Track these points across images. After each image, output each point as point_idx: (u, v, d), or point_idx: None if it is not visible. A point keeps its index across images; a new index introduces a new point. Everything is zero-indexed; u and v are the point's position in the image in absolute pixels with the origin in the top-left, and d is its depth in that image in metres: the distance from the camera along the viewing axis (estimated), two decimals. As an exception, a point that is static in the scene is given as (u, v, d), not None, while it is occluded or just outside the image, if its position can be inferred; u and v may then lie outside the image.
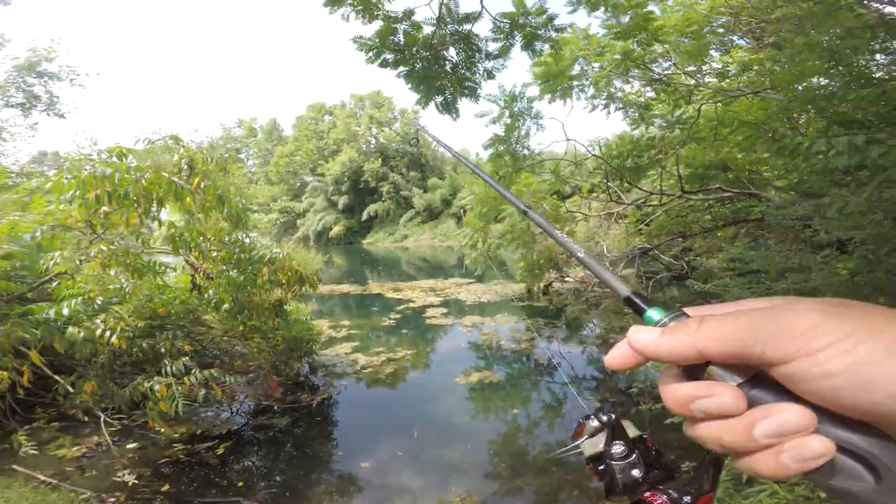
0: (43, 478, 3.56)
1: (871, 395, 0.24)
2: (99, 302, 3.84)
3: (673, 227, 9.12)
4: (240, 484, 3.71)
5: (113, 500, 3.37)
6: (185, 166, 4.15)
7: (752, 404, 0.28)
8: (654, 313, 0.33)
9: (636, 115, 6.40)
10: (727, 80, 5.81)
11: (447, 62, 4.39)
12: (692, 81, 5.51)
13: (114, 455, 3.93)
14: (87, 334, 3.54)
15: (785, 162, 4.32)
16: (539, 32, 3.99)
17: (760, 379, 0.29)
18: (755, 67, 5.09)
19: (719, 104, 5.36)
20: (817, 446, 0.26)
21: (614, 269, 10.95)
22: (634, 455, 0.42)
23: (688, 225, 8.98)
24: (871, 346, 0.24)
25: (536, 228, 9.09)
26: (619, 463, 0.42)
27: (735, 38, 6.78)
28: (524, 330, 8.38)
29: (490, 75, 4.53)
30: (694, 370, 0.31)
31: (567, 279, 11.51)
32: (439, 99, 4.79)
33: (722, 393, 0.29)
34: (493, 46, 4.29)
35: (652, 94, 6.44)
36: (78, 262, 3.87)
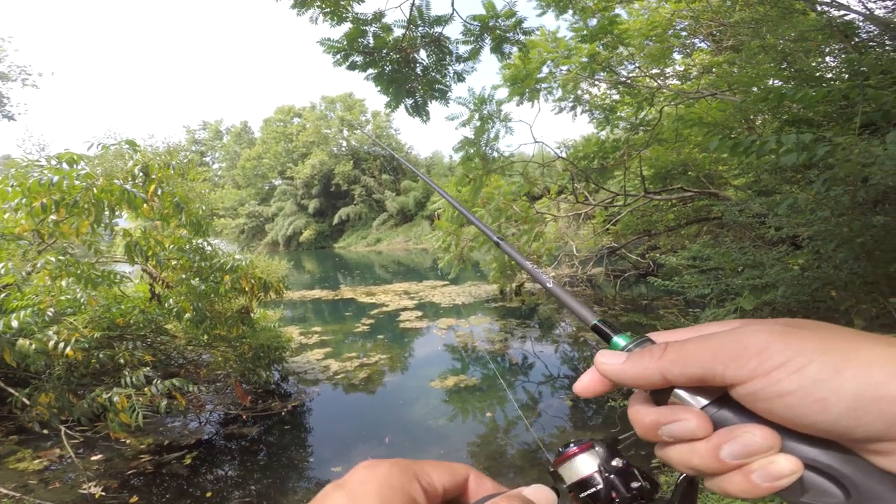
0: (5, 491, 3.41)
1: (827, 413, 0.25)
2: (50, 313, 3.64)
3: (638, 226, 9.40)
4: (208, 494, 3.60)
5: (80, 511, 3.24)
6: (140, 173, 3.99)
7: (717, 426, 0.29)
8: (620, 340, 0.34)
9: (602, 117, 6.57)
10: (688, 83, 6.04)
11: (417, 65, 4.39)
12: (655, 84, 5.71)
13: (78, 467, 3.78)
14: (38, 346, 3.35)
15: (741, 161, 4.52)
16: (508, 35, 4.05)
17: (725, 401, 0.29)
18: (714, 70, 5.32)
19: (680, 106, 5.56)
20: (785, 465, 0.26)
21: (584, 267, 11.20)
22: (634, 469, 0.41)
23: (653, 224, 9.26)
24: (820, 365, 0.25)
25: (508, 229, 9.16)
26: (618, 476, 0.41)
27: (696, 41, 7.08)
28: (498, 331, 8.44)
29: (460, 78, 4.56)
30: (660, 394, 0.32)
31: (539, 280, 11.66)
32: (409, 101, 4.78)
33: (687, 417, 0.29)
34: (463, 49, 4.33)
35: (617, 97, 6.63)
36: (24, 273, 3.67)
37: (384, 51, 4.19)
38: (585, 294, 10.90)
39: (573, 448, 0.42)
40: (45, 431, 3.81)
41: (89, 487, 3.55)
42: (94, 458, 4.09)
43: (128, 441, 4.13)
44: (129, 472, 3.88)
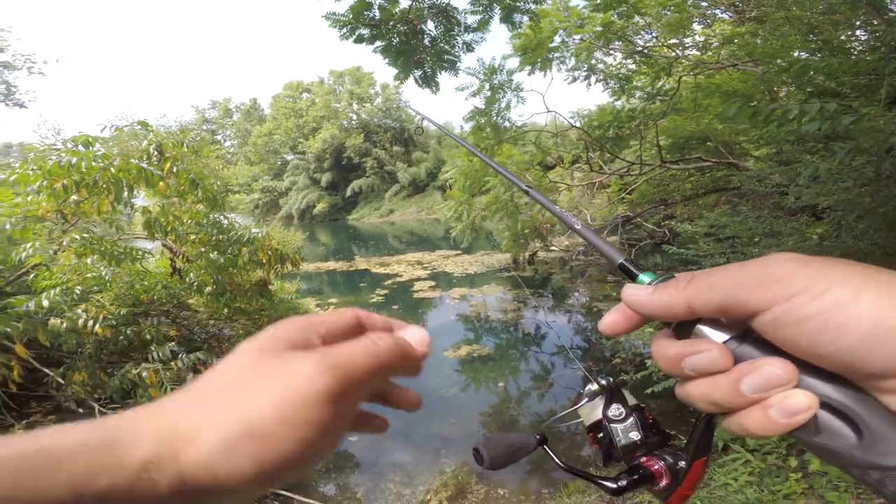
0: (49, 474, 3.59)
1: (845, 340, 0.25)
2: (78, 291, 3.78)
3: (655, 195, 9.24)
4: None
5: (116, 490, 3.43)
6: (154, 151, 4.04)
7: (738, 360, 0.29)
8: (645, 277, 0.34)
9: (617, 86, 6.37)
10: (708, 53, 5.79)
11: (425, 36, 4.28)
12: (673, 54, 5.48)
13: None
14: (69, 325, 3.50)
15: (765, 131, 4.38)
16: (518, 4, 3.91)
17: (745, 336, 0.30)
18: (736, 41, 5.07)
19: (700, 76, 5.35)
20: (802, 399, 0.27)
21: (599, 236, 11.12)
22: (632, 418, 0.45)
23: (669, 193, 9.10)
24: (840, 290, 0.25)
25: (520, 198, 9.12)
26: (617, 425, 0.45)
27: (717, 11, 6.73)
28: (511, 300, 8.51)
29: (469, 48, 4.44)
30: (683, 329, 0.32)
31: (552, 248, 11.65)
32: (418, 73, 4.69)
33: (709, 348, 0.30)
34: (471, 19, 4.20)
35: (633, 67, 6.39)
36: (52, 252, 3.80)
37: (391, 23, 4.09)
38: (600, 263, 10.85)
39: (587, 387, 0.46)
40: (81, 410, 3.97)
41: (124, 467, 3.75)
42: (126, 435, 4.31)
43: (156, 418, 4.32)
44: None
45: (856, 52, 3.11)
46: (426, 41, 4.42)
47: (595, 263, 10.85)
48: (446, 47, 4.48)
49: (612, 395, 0.46)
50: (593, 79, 6.55)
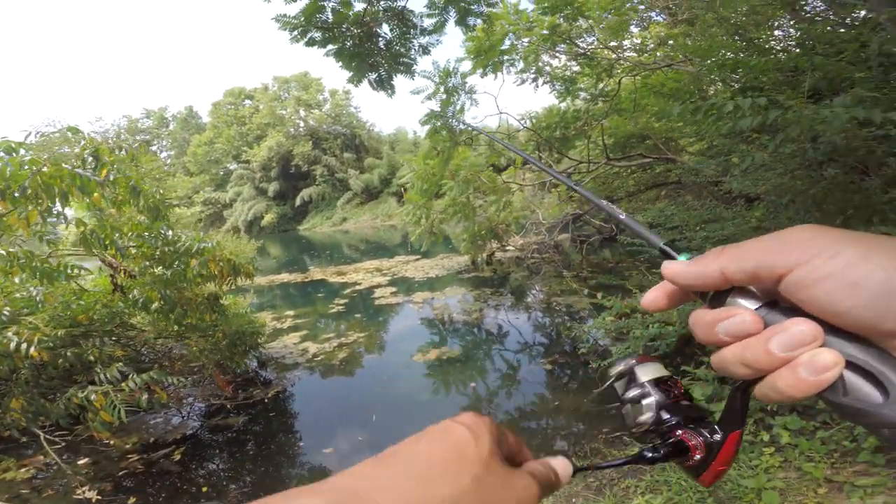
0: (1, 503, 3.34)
1: (859, 297, 0.27)
2: (7, 313, 3.44)
3: (600, 192, 9.68)
4: (204, 488, 3.60)
5: (81, 518, 3.19)
6: (90, 157, 3.74)
7: (767, 325, 0.32)
8: (682, 257, 0.38)
9: (563, 88, 6.65)
10: (645, 55, 6.18)
11: (380, 39, 4.28)
12: (613, 56, 5.81)
13: (67, 473, 3.70)
14: (0, 349, 3.18)
15: (697, 128, 4.71)
16: (472, 7, 3.99)
17: (774, 304, 0.33)
18: (670, 42, 5.45)
19: (638, 77, 5.70)
20: (828, 356, 0.29)
21: (550, 234, 11.49)
22: (651, 397, 0.45)
23: (614, 190, 9.56)
24: (851, 252, 0.28)
25: (475, 200, 9.23)
26: (633, 406, 0.46)
27: (653, 14, 7.22)
28: (473, 300, 8.59)
29: (425, 51, 4.48)
30: (717, 301, 0.35)
31: (508, 248, 11.89)
32: (373, 76, 4.67)
33: (741, 313, 0.33)
34: (427, 22, 4.23)
35: (577, 69, 6.70)
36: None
37: (344, 26, 4.05)
38: (554, 260, 11.17)
39: (629, 360, 0.48)
40: (24, 439, 3.68)
41: (84, 492, 3.49)
42: (80, 462, 4.00)
43: (112, 442, 4.04)
44: (121, 474, 3.82)
45: (774, 51, 3.46)
46: (381, 44, 4.42)
47: (549, 261, 11.17)
48: (402, 50, 4.49)
49: (630, 377, 0.48)
50: (540, 80, 6.80)
